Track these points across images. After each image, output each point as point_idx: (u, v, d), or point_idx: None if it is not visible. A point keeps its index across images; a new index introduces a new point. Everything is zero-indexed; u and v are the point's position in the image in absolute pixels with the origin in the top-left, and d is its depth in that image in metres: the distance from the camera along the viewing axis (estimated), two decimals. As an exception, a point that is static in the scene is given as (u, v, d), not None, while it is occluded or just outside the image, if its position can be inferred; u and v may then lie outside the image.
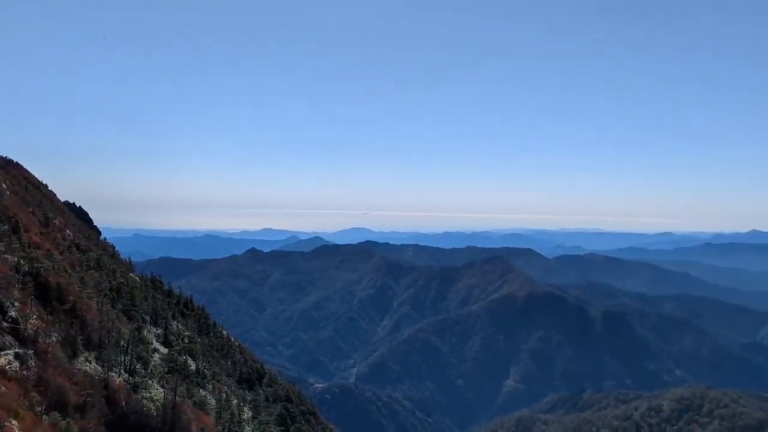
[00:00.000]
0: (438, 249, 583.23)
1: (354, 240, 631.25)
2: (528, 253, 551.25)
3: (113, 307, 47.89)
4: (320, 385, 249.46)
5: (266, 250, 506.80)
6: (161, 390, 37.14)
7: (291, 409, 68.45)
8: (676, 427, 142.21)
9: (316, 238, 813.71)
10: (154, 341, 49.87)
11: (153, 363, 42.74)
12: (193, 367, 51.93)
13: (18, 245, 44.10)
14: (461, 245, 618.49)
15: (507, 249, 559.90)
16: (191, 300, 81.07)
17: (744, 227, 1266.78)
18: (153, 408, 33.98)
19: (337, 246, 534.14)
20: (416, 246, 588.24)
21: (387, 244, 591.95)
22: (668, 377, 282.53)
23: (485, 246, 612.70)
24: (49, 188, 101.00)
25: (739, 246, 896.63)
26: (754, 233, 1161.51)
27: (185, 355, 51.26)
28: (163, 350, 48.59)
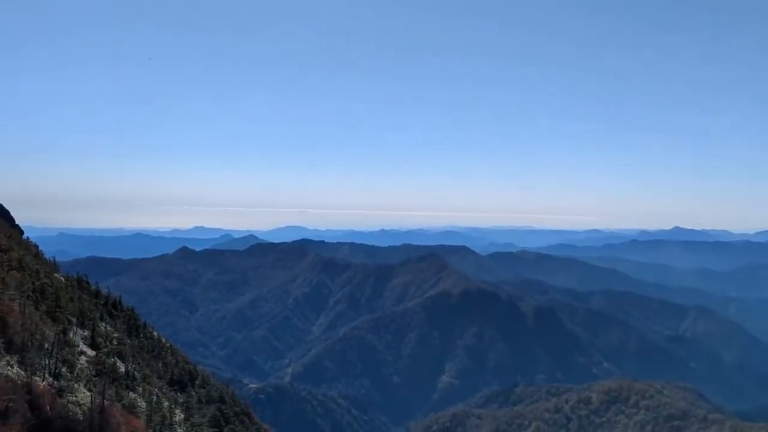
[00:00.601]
0: (374, 247, 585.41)
1: (289, 238, 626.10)
2: (462, 251, 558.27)
3: (37, 308, 45.99)
4: (254, 386, 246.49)
5: (198, 248, 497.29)
6: (88, 394, 35.88)
7: (224, 411, 67.31)
8: (604, 418, 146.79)
9: (250, 237, 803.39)
10: (81, 343, 48.19)
11: (79, 366, 41.27)
12: (123, 369, 50.45)
13: (-68, 245, 41.82)
14: (397, 243, 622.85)
15: (442, 246, 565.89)
16: (120, 300, 78.76)
17: (668, 225, 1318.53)
18: (79, 412, 32.77)
19: (271, 244, 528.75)
20: (352, 244, 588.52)
21: (323, 242, 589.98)
22: (597, 370, 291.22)
23: (421, 243, 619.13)
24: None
25: (663, 243, 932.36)
26: (677, 230, 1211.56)
27: (114, 358, 49.72)
28: (91, 353, 46.99)
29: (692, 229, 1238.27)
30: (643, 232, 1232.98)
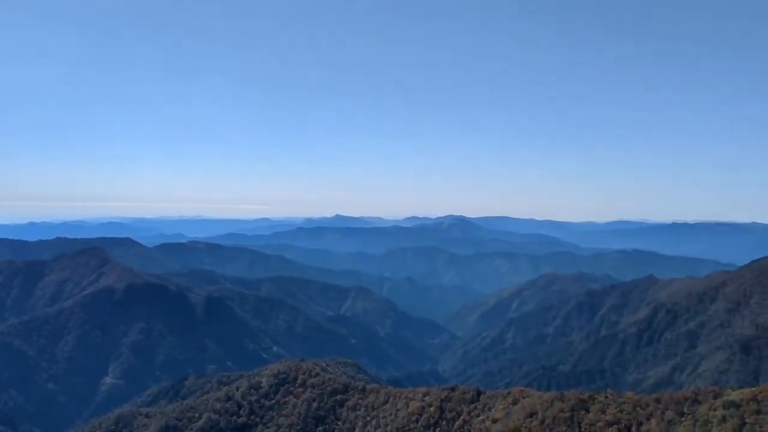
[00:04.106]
0: (21, 241, 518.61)
1: None
2: (127, 243, 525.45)
3: None
4: None
5: None
6: None
7: None
8: (273, 401, 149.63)
9: None
10: None
11: None
12: None
13: None
14: (49, 236, 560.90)
15: (103, 239, 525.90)
16: None
17: (329, 213, 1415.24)
18: None
19: None
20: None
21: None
22: (266, 355, 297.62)
23: (78, 237, 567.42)
24: None
25: (326, 229, 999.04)
26: (338, 218, 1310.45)
27: None
28: None
29: (351, 216, 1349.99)
30: (309, 220, 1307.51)
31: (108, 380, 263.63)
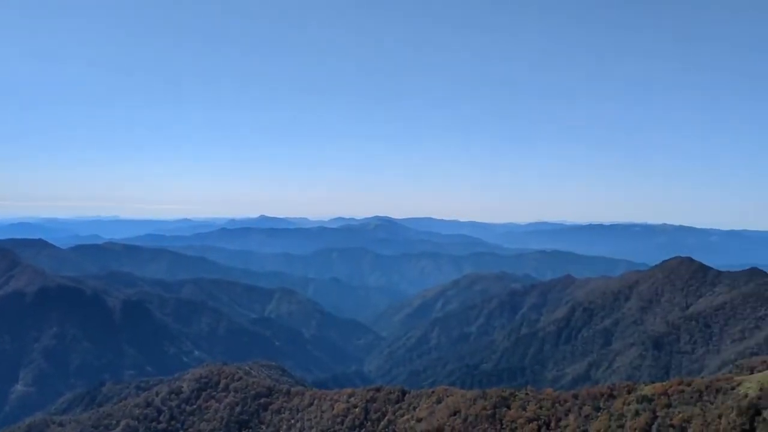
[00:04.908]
0: None
1: None
2: (38, 244, 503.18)
3: None
4: None
5: None
6: None
7: None
8: (195, 406, 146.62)
9: None
10: None
11: None
12: None
13: None
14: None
15: (13, 240, 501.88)
16: None
17: (254, 213, 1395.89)
18: None
19: None
20: None
21: None
22: (187, 359, 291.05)
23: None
24: None
25: (250, 230, 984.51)
26: (263, 218, 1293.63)
27: None
28: None
29: (276, 217, 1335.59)
30: (232, 221, 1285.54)
31: (18, 388, 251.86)
